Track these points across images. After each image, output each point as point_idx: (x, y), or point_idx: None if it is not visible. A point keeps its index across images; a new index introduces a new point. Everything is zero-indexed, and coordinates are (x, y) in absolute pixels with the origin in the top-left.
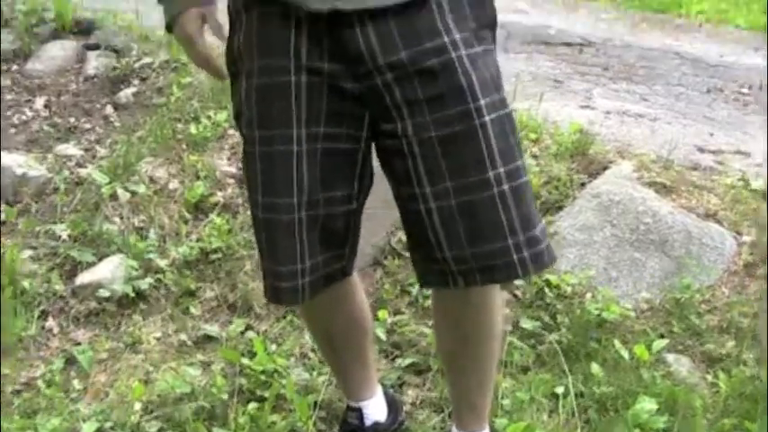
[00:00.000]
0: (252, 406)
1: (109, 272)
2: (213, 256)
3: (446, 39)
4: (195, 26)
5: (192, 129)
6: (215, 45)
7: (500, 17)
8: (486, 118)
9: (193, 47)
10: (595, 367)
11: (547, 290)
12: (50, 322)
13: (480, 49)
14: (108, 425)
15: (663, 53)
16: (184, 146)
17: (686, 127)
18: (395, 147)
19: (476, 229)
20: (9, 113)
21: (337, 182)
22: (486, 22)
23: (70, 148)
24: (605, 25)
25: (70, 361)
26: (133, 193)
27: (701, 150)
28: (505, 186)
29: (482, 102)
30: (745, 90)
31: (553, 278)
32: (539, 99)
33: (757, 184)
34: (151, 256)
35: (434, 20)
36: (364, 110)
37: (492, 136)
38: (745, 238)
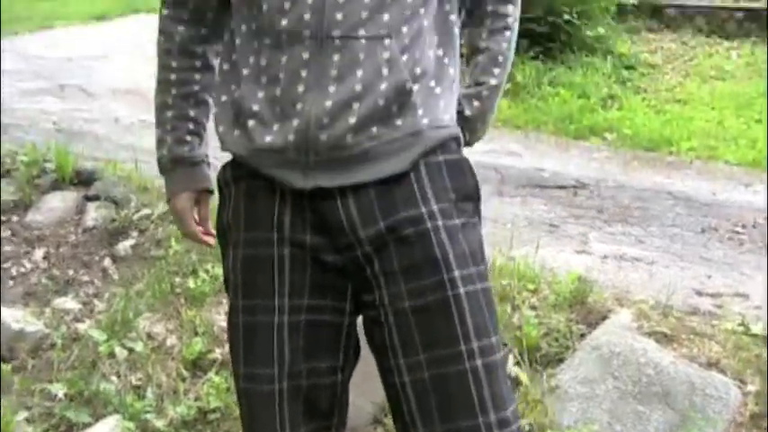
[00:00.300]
0: None
1: None
2: (211, 416)
3: (423, 209)
4: (188, 206)
5: (191, 283)
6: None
7: (493, 160)
8: (461, 290)
9: (183, 223)
10: None
11: None
12: None
13: (459, 221)
14: None
15: (656, 193)
16: (183, 300)
17: (683, 269)
18: (374, 317)
19: (447, 404)
20: (7, 265)
21: (321, 353)
22: (467, 194)
23: (68, 302)
24: (598, 164)
25: None
26: (131, 351)
27: (700, 294)
28: (478, 362)
29: (456, 273)
30: (739, 229)
31: None
32: (535, 246)
33: (757, 328)
34: (148, 416)
35: (413, 190)
36: (347, 282)
37: (466, 309)
38: (750, 388)
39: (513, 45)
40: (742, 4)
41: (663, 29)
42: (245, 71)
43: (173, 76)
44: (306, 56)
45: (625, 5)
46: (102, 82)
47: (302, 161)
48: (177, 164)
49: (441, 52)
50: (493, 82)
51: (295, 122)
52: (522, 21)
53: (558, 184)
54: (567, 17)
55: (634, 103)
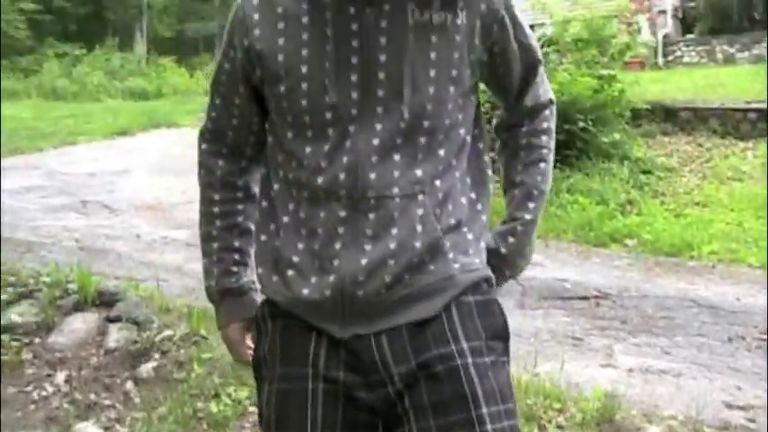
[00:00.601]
0: None
1: None
2: None
3: (454, 347)
4: (239, 335)
5: (213, 407)
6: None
7: None
8: (489, 427)
9: (236, 351)
10: None
11: None
12: None
13: (489, 359)
14: None
15: (680, 300)
16: (205, 425)
17: (712, 381)
18: None
19: None
20: (29, 389)
21: None
22: (497, 333)
23: (90, 427)
24: (620, 272)
25: None
26: None
27: (730, 407)
28: None
29: (484, 410)
30: (766, 336)
31: None
32: (560, 362)
33: None
34: None
35: (444, 329)
36: (378, 418)
37: None
38: None
39: (549, 177)
40: (754, 105)
41: (677, 132)
42: (284, 218)
43: (216, 209)
44: (342, 214)
45: (639, 110)
46: (123, 197)
47: (339, 314)
48: (225, 295)
49: (473, 195)
50: (528, 217)
51: (332, 278)
52: None
53: (580, 295)
54: (582, 124)
55: (653, 207)
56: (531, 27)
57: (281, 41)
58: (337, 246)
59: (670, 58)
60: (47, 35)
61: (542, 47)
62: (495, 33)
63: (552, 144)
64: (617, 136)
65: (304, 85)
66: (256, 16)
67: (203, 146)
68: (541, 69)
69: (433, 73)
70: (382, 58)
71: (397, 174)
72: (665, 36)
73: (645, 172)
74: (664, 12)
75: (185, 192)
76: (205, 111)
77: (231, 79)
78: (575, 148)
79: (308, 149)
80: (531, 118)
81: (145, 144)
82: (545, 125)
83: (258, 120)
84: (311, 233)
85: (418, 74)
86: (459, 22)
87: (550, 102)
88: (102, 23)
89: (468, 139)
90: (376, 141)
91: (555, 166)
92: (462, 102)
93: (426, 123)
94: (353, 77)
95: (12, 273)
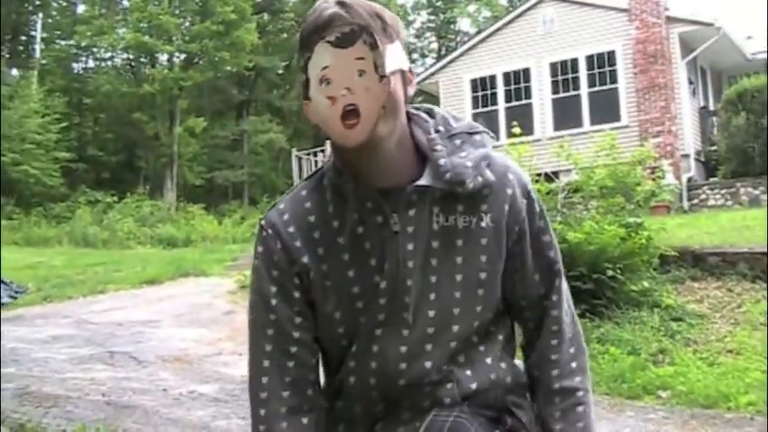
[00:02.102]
0: None
1: None
2: None
3: None
4: None
5: None
6: None
7: None
8: None
9: None
10: None
11: None
12: None
13: None
14: None
15: None
16: None
17: None
18: None
19: None
20: None
21: None
22: None
23: None
24: (654, 427)
25: None
26: None
27: None
28: None
29: None
30: None
31: None
32: None
33: None
34: None
35: None
36: None
37: None
38: None
39: (592, 419)
40: None
41: (706, 277)
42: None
43: None
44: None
45: (667, 256)
46: (151, 348)
47: None
48: None
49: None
50: None
51: None
52: (567, 278)
53: None
54: (610, 273)
55: (686, 356)
56: (556, 174)
57: (324, 268)
58: None
59: (695, 201)
60: (80, 183)
61: (567, 193)
62: (518, 232)
63: (588, 383)
64: (646, 283)
65: (358, 303)
66: (297, 243)
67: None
68: (563, 285)
69: (459, 277)
70: (410, 264)
71: (427, 376)
72: (690, 180)
73: (676, 319)
74: (687, 156)
75: (213, 344)
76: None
77: (286, 315)
78: (604, 297)
79: (346, 360)
80: (557, 352)
81: (173, 293)
82: (574, 365)
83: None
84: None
85: (443, 279)
86: (483, 224)
87: (575, 326)
88: (134, 172)
89: (501, 338)
90: (404, 348)
91: (584, 316)
92: (492, 302)
93: (455, 328)
94: (383, 285)
95: (37, 431)
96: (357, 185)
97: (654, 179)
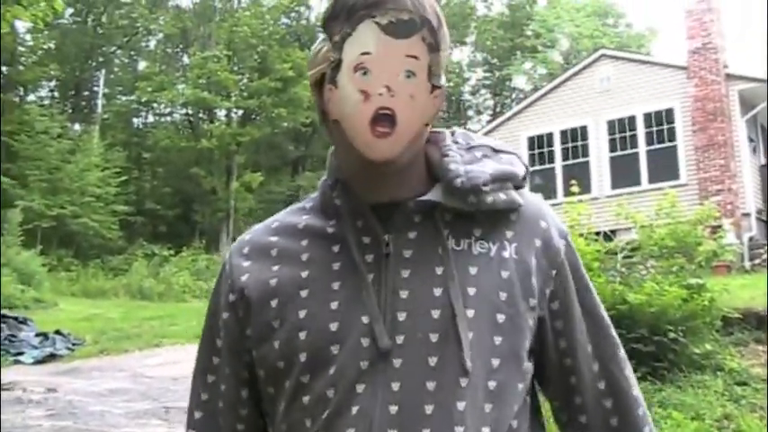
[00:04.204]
0: None
1: None
2: None
3: None
4: None
5: None
6: None
7: None
8: None
9: None
10: None
11: None
12: None
13: None
14: None
15: None
16: None
17: None
18: None
19: None
20: None
21: None
22: None
23: None
24: None
25: None
26: None
27: None
28: None
29: None
30: None
31: None
32: None
33: None
34: None
35: None
36: None
37: None
38: None
39: None
40: None
41: (766, 338)
42: None
43: None
44: None
45: (730, 318)
46: None
47: None
48: None
49: None
50: None
51: None
52: (627, 341)
53: None
54: (672, 335)
55: (752, 423)
56: (614, 232)
57: (273, 283)
58: None
59: (756, 261)
60: (137, 236)
61: (627, 253)
62: (557, 280)
63: None
64: (709, 346)
65: (302, 335)
66: (246, 263)
67: None
68: (626, 362)
69: (470, 313)
70: (404, 295)
71: None
72: (751, 239)
73: (740, 384)
74: (748, 214)
75: None
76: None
77: (222, 359)
78: (666, 360)
79: (307, 422)
80: None
81: None
82: None
83: (249, 409)
84: None
85: (448, 310)
86: (506, 254)
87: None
88: (190, 225)
89: (525, 404)
90: (394, 409)
91: (645, 379)
92: (513, 361)
93: (464, 383)
94: (365, 319)
95: None
96: (348, 199)
97: (715, 238)
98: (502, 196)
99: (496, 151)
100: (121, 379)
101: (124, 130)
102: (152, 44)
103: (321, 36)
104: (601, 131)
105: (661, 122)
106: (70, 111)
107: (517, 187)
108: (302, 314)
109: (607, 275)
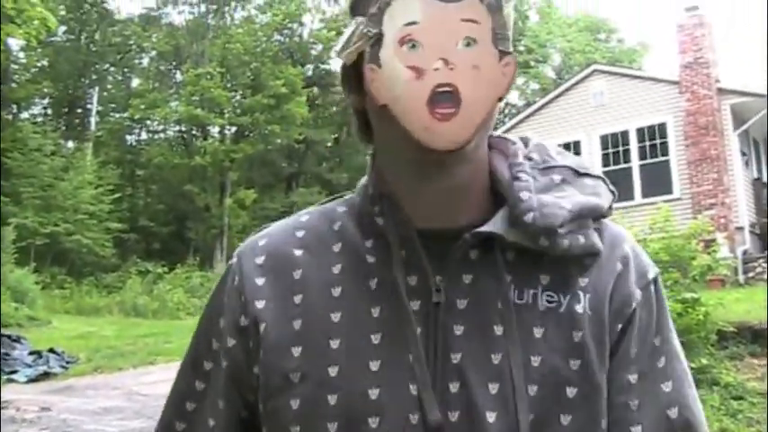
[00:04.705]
0: None
1: None
2: None
3: None
4: None
5: None
6: None
7: None
8: None
9: None
10: None
11: None
12: None
13: None
14: None
15: None
16: None
17: None
18: None
19: None
20: None
21: None
22: None
23: None
24: None
25: None
26: None
27: None
28: None
29: None
30: None
31: None
32: None
33: None
34: None
35: None
36: None
37: None
38: None
39: None
40: None
41: (766, 353)
42: None
43: None
44: None
45: (725, 332)
46: None
47: None
48: None
49: None
50: None
51: None
52: None
53: None
54: None
55: None
56: None
57: (296, 325)
58: None
59: (750, 274)
60: (131, 253)
61: None
62: (614, 336)
63: None
64: (704, 360)
65: (331, 399)
66: (261, 281)
67: None
68: None
69: (533, 390)
70: (455, 359)
71: None
72: (745, 252)
73: (736, 398)
74: (741, 228)
75: None
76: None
77: (213, 388)
78: None
79: None
80: None
81: None
82: None
83: None
84: None
85: (508, 384)
86: (579, 308)
87: None
88: (184, 243)
89: None
90: None
91: None
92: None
93: None
94: (413, 388)
95: None
96: (394, 221)
97: (709, 252)
98: (580, 239)
99: (579, 174)
100: (116, 397)
101: (117, 147)
102: (145, 61)
103: (350, 22)
104: (594, 146)
105: (654, 137)
106: (63, 128)
107: (599, 218)
108: (333, 372)
109: None
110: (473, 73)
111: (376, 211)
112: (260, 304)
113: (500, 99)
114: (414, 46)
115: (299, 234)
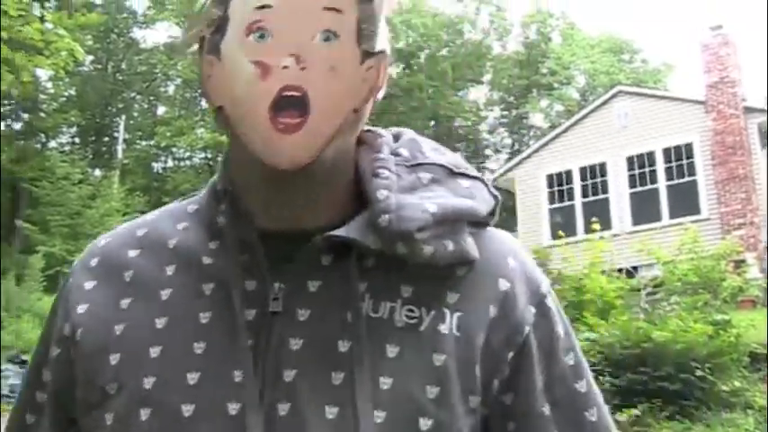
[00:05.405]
0: None
1: None
2: None
3: None
4: None
5: None
6: None
7: None
8: None
9: None
10: None
11: None
12: None
13: None
14: None
15: None
16: None
17: None
18: None
19: None
20: None
21: None
22: None
23: None
24: None
25: None
26: None
27: None
28: None
29: None
30: None
31: None
32: None
33: None
34: None
35: None
36: None
37: None
38: None
39: None
40: None
41: None
42: None
43: None
44: None
45: (757, 354)
46: None
47: None
48: None
49: None
50: None
51: None
52: (654, 379)
53: None
54: (699, 373)
55: None
56: (635, 269)
57: (117, 330)
58: None
59: None
60: None
61: (651, 290)
62: (513, 366)
63: None
64: (737, 383)
65: (143, 414)
66: (89, 285)
67: None
68: None
69: (381, 417)
70: (288, 377)
71: None
72: None
73: None
74: None
75: None
76: None
77: (48, 406)
78: (693, 399)
79: None
80: None
81: None
82: None
83: None
84: None
85: (349, 408)
86: (444, 329)
87: None
88: None
89: None
90: None
91: (673, 418)
92: None
93: None
94: (232, 408)
95: None
96: (235, 221)
97: (738, 273)
98: (448, 246)
99: (454, 174)
100: None
101: (144, 174)
102: (171, 89)
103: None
104: (620, 167)
105: (680, 157)
106: (91, 156)
107: (479, 224)
108: (148, 384)
109: (630, 313)
110: (328, 75)
111: (221, 209)
112: (81, 309)
113: (356, 110)
114: (263, 36)
115: (140, 233)
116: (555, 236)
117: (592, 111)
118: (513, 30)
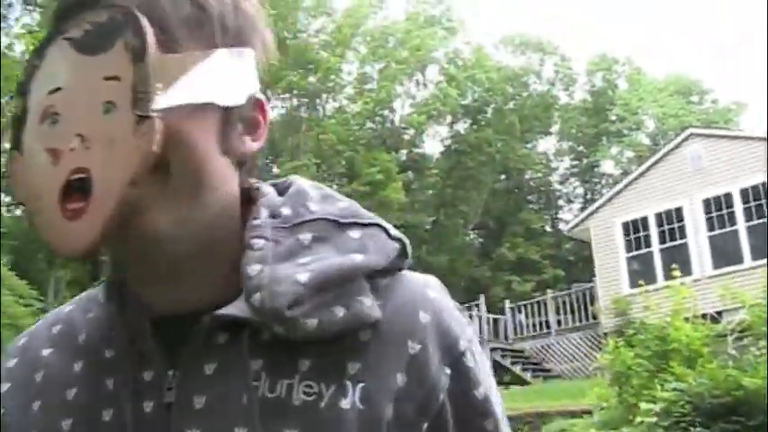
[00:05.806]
0: None
1: None
2: None
3: None
4: None
5: None
6: None
7: None
8: None
9: None
10: None
11: None
12: None
13: None
14: None
15: None
16: None
17: None
18: None
19: None
20: None
21: None
22: None
23: None
24: None
25: None
26: None
27: None
28: None
29: None
30: None
31: None
32: None
33: None
34: None
35: None
36: None
37: None
38: None
39: None
40: None
41: None
42: None
43: None
44: None
45: None
46: None
47: None
48: None
49: None
50: None
51: None
52: (747, 428)
53: None
54: None
55: None
56: (720, 314)
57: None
58: None
59: None
60: None
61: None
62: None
63: None
64: None
65: None
66: (4, 387)
67: None
68: None
69: None
70: None
71: None
72: None
73: None
74: None
75: None
76: None
77: None
78: None
79: None
80: None
81: None
82: None
83: None
84: None
85: None
86: (345, 404)
87: None
88: None
89: None
90: None
91: None
92: None
93: None
94: None
95: None
96: (122, 308)
97: None
98: (338, 313)
99: (341, 226)
100: None
101: None
102: None
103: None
104: (697, 211)
105: (759, 197)
106: None
107: (389, 272)
108: None
109: (718, 360)
110: (107, 150)
111: (108, 295)
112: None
113: (133, 183)
114: (55, 121)
115: (54, 330)
116: (634, 284)
117: (664, 155)
118: (578, 78)
